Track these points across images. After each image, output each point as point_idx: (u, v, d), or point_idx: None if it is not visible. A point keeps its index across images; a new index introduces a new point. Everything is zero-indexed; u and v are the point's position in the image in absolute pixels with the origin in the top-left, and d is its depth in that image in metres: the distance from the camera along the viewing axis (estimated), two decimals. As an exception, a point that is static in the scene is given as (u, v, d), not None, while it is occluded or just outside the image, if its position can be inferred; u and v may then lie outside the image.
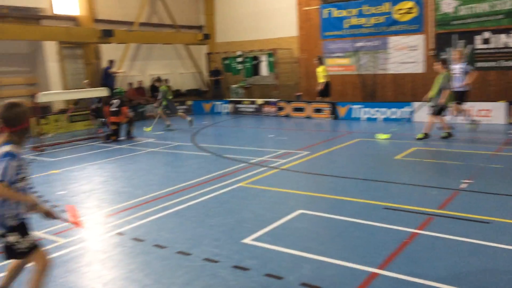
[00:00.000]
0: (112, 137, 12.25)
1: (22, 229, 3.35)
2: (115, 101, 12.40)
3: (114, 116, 12.29)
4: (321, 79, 15.07)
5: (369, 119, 14.71)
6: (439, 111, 10.36)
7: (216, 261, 4.43)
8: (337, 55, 16.65)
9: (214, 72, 19.21)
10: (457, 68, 11.46)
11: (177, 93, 19.71)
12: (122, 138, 12.42)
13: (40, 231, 5.41)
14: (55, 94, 12.32)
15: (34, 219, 5.83)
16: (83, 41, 15.67)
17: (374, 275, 4.06)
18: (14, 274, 3.57)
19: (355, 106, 15.05)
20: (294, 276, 4.08)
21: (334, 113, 15.06)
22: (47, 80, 15.25)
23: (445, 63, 10.59)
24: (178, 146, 11.13)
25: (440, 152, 9.44)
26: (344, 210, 5.85)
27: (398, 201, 6.13)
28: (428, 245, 4.66)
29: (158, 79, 15.71)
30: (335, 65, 16.65)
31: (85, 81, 14.46)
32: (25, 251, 3.32)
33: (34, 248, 3.37)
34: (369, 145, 10.56)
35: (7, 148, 3.22)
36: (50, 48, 15.34)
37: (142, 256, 4.64)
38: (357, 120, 14.78)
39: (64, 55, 16.03)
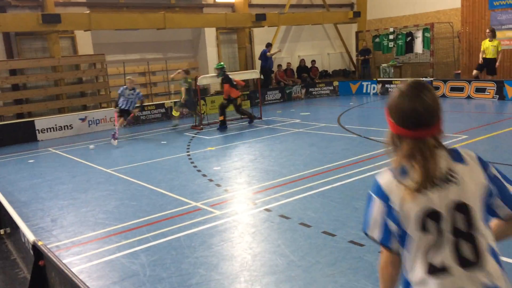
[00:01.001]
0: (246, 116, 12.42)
1: None
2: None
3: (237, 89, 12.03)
4: (494, 55, 13.39)
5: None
6: None
7: (361, 245, 4.36)
8: (508, 27, 14.59)
9: (363, 51, 18.60)
10: None
11: (324, 74, 19.71)
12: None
13: (198, 202, 6.00)
14: (212, 77, 13.31)
15: (192, 191, 6.49)
16: (238, 26, 16.60)
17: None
18: None
19: (527, 85, 13.14)
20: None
21: (500, 93, 13.35)
22: (206, 64, 16.63)
23: None
24: (323, 127, 11.15)
25: None
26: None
27: None
28: None
29: (187, 71, 12.89)
30: (505, 38, 14.64)
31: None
32: None
33: None
34: (545, 130, 9.14)
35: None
36: (210, 34, 16.65)
37: (289, 232, 4.81)
38: (530, 101, 12.90)
39: (221, 40, 17.24)
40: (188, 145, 10.03)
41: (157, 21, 14.14)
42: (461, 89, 14.58)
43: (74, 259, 4.50)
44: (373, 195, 1.78)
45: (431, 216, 1.63)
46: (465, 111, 12.43)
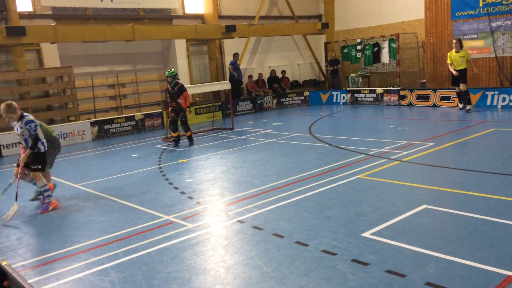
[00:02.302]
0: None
1: None
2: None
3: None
4: (463, 66, 12.85)
5: (506, 107, 13.22)
6: None
7: (334, 254, 4.39)
8: (470, 37, 15.15)
9: (332, 62, 18.95)
10: None
11: (295, 84, 19.92)
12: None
13: (170, 215, 5.91)
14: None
15: (163, 204, 6.40)
16: (208, 38, 16.62)
17: (510, 278, 3.65)
18: None
19: (490, 92, 13.64)
20: (418, 274, 3.86)
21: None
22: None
23: None
24: (295, 137, 11.24)
25: None
26: (476, 207, 5.35)
27: (542, 199, 5.42)
28: None
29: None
30: (467, 48, 15.15)
31: None
32: None
33: None
34: (508, 136, 9.49)
35: None
36: (180, 46, 16.60)
37: (262, 244, 4.80)
38: (493, 108, 13.38)
39: (191, 51, 17.21)
40: (160, 158, 9.91)
41: (125, 33, 14.01)
42: (427, 98, 14.99)
43: (41, 278, 4.34)
44: None
45: None
46: (431, 119, 12.77)
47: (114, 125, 13.82)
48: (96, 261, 4.63)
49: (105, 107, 15.36)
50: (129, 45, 15.36)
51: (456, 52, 12.93)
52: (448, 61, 13.19)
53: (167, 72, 11.32)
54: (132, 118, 14.26)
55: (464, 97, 13.25)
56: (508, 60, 14.33)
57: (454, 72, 12.95)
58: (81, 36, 13.40)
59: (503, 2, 14.17)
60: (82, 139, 13.15)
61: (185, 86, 11.47)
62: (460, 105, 13.50)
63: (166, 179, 7.91)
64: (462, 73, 12.89)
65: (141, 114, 14.52)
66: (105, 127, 13.66)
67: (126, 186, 7.66)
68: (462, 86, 12.99)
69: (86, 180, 8.28)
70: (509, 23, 14.19)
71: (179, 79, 11.46)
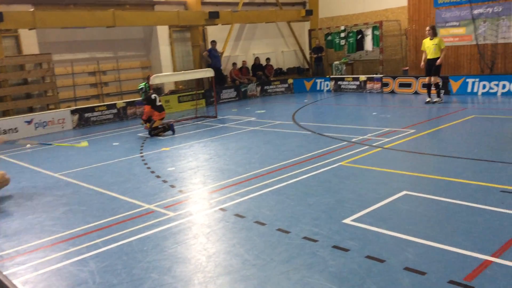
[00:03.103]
0: (160, 133, 10.97)
1: None
2: (156, 95, 11.17)
3: (162, 112, 11.10)
4: (437, 54, 12.21)
5: (486, 94, 13.40)
6: None
7: (315, 240, 4.40)
8: (452, 24, 15.24)
9: (316, 49, 18.90)
10: None
11: (279, 72, 19.85)
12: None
13: (151, 204, 5.87)
14: (165, 76, 13.09)
15: (145, 193, 6.34)
16: (191, 24, 16.39)
17: (487, 263, 3.72)
18: None
19: (470, 80, 13.79)
20: (397, 259, 3.90)
21: (445, 88, 13.92)
22: (159, 63, 16.33)
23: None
24: (279, 124, 11.22)
25: None
26: (455, 193, 5.42)
27: (519, 184, 5.52)
28: (555, 235, 4.14)
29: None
30: (449, 35, 15.27)
31: None
32: None
33: None
34: (487, 122, 9.62)
35: None
36: (162, 32, 16.36)
37: (244, 231, 4.79)
38: (473, 95, 13.54)
39: (174, 38, 16.97)
40: (142, 146, 9.81)
41: (106, 19, 13.72)
42: (409, 85, 15.10)
43: (19, 269, 4.27)
44: None
45: None
46: (413, 106, 12.87)
47: (95, 113, 13.61)
48: (75, 251, 4.57)
49: (85, 95, 15.10)
50: (110, 32, 15.07)
51: (430, 39, 12.32)
52: (422, 49, 12.65)
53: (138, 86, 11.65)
54: (113, 106, 14.06)
55: (432, 90, 12.60)
56: (488, 47, 14.48)
57: (422, 64, 12.51)
58: (61, 22, 13.08)
59: (485, -11, 14.27)
60: (62, 127, 12.93)
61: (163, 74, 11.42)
62: (428, 99, 12.64)
63: (148, 168, 7.83)
64: (436, 64, 12.19)
65: (123, 102, 14.31)
66: (86, 115, 13.45)
67: (107, 175, 7.56)
68: (433, 79, 12.35)
69: (66, 170, 8.15)
70: (490, 10, 14.31)
71: (147, 91, 11.55)
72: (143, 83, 12.06)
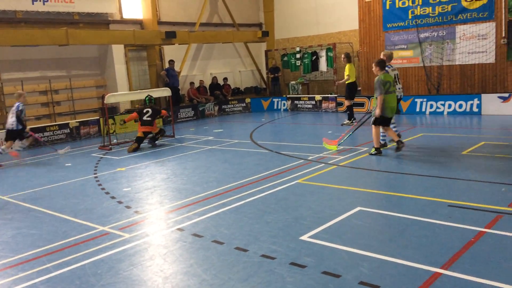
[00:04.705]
0: (134, 145, 11.20)
1: None
2: (149, 110, 11.59)
3: (146, 126, 11.47)
4: (351, 79, 12.91)
5: (434, 113, 14.09)
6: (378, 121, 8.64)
7: (273, 258, 4.43)
8: (400, 47, 16.00)
9: (272, 69, 19.26)
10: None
11: (236, 91, 20.02)
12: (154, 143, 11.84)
13: (105, 226, 5.71)
14: (121, 95, 12.90)
15: (99, 215, 6.18)
16: (148, 43, 16.31)
17: (437, 275, 3.87)
18: None
19: (419, 100, 14.47)
20: (352, 274, 3.99)
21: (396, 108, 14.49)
22: (114, 82, 16.07)
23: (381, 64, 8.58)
24: (237, 143, 11.27)
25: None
26: (406, 208, 5.63)
27: (464, 198, 5.81)
28: (496, 245, 4.37)
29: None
30: (398, 57, 16.00)
31: None
32: None
33: None
34: (434, 140, 10.09)
35: None
36: (118, 51, 16.14)
37: (201, 251, 4.75)
38: (422, 114, 14.20)
39: (130, 57, 16.79)
40: (96, 167, 9.56)
41: (59, 37, 13.41)
42: (361, 105, 15.62)
43: (-40, 299, 4.03)
44: None
45: None
46: (365, 125, 13.28)
47: (46, 133, 13.15)
48: (24, 277, 4.36)
49: (36, 114, 14.59)
50: (63, 50, 14.72)
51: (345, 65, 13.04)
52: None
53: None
54: (66, 125, 13.65)
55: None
56: (435, 69, 15.29)
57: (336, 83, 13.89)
58: (10, 40, 12.66)
59: (430, 14, 15.12)
60: (12, 148, 12.38)
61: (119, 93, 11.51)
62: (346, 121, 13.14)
63: (103, 189, 7.64)
64: (347, 87, 12.99)
65: (76, 122, 13.94)
66: (36, 135, 12.94)
67: (58, 197, 7.30)
68: (346, 102, 13.23)
69: (15, 192, 7.81)
70: (435, 34, 15.15)
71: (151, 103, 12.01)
72: (146, 97, 12.17)
